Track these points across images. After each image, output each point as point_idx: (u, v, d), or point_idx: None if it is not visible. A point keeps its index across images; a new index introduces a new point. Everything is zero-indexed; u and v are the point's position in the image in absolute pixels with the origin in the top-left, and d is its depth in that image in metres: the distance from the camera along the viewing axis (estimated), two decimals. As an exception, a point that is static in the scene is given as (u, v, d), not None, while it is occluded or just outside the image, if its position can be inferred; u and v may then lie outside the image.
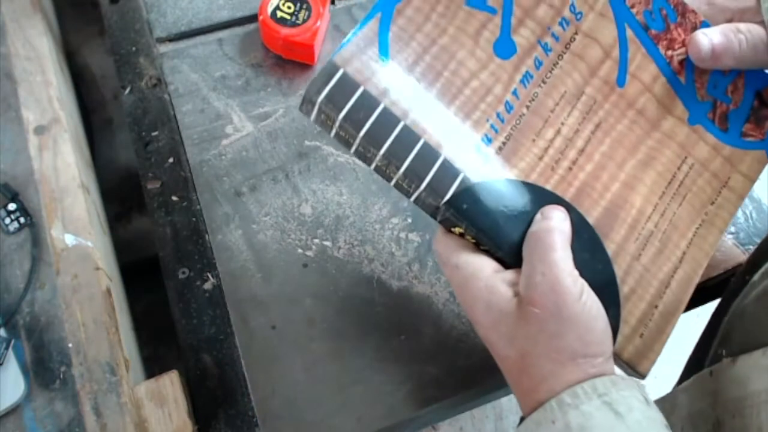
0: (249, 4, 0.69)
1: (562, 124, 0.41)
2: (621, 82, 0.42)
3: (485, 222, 0.37)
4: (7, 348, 0.48)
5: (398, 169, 0.37)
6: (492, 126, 0.39)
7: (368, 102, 0.37)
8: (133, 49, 0.66)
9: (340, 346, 0.52)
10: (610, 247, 0.40)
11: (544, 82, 0.41)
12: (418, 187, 0.37)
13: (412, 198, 0.39)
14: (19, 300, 0.51)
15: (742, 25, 0.42)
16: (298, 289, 0.54)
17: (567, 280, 0.35)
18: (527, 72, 0.41)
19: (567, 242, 0.37)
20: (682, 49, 0.44)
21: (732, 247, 0.57)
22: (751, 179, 0.44)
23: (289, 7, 0.64)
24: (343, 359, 0.51)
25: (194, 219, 0.56)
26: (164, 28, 0.68)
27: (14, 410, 0.47)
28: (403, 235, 0.57)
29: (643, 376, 0.40)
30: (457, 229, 0.38)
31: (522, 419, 0.36)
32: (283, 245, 0.56)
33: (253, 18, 0.68)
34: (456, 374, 0.51)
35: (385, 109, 0.37)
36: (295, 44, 0.63)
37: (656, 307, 0.40)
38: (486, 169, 0.38)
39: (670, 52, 0.44)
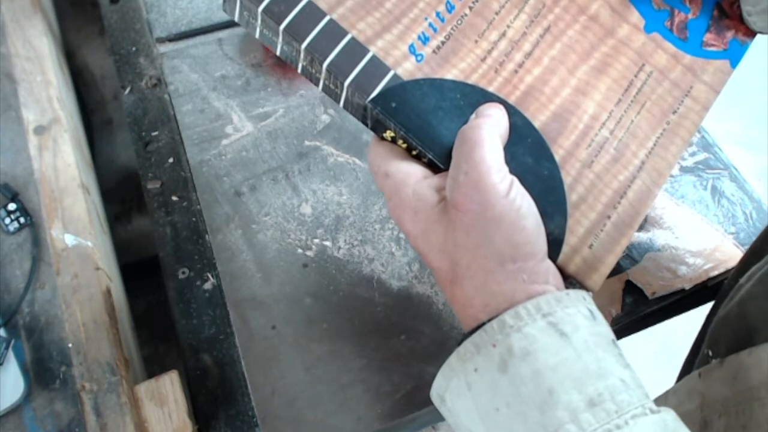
0: (249, 4, 0.69)
1: (508, 26, 0.40)
2: None
3: (415, 121, 0.36)
4: (7, 348, 0.48)
5: (321, 64, 0.36)
6: (430, 25, 0.38)
7: None
8: (133, 49, 0.66)
9: (340, 346, 0.52)
10: (558, 153, 0.38)
11: None
12: (343, 84, 0.36)
13: (341, 101, 0.37)
14: (19, 300, 0.51)
15: None
16: (298, 289, 0.54)
17: (492, 177, 0.33)
18: None
19: (497, 138, 0.35)
20: None
21: (732, 247, 0.57)
22: (715, 90, 0.43)
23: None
24: (343, 359, 0.51)
25: (194, 219, 0.56)
26: (164, 28, 0.68)
27: (14, 410, 0.47)
28: (403, 235, 0.56)
29: (592, 292, 0.37)
30: (388, 133, 0.37)
31: (463, 339, 0.34)
32: (283, 245, 0.56)
33: (253, 18, 0.68)
34: (456, 374, 0.51)
35: (309, 3, 0.36)
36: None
37: (609, 217, 0.38)
38: (420, 68, 0.37)
39: None
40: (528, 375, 0.30)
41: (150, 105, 0.63)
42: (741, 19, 0.44)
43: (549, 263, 0.35)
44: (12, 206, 0.54)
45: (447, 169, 0.36)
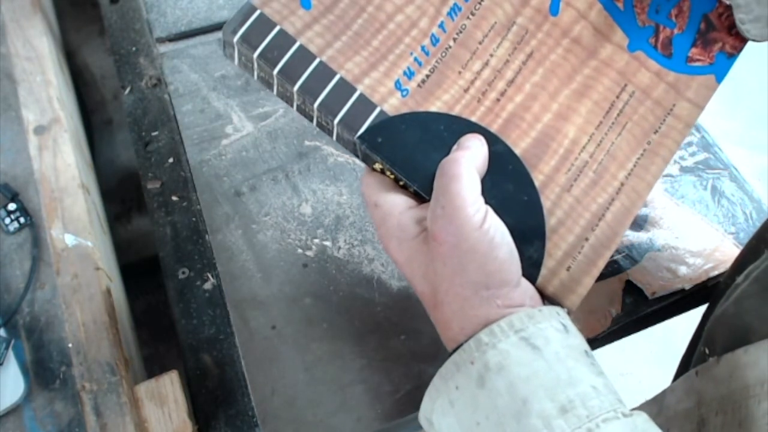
0: (249, 4, 0.69)
1: (491, 55, 0.40)
2: (554, 10, 0.41)
3: (400, 155, 0.37)
4: (7, 348, 0.48)
5: (313, 104, 0.37)
6: (416, 59, 0.39)
7: (284, 40, 0.37)
8: (133, 49, 0.66)
9: (340, 346, 0.52)
10: (538, 179, 0.39)
11: (472, 14, 0.40)
12: (333, 122, 0.37)
13: (334, 136, 0.39)
14: (19, 300, 0.51)
15: None
16: (298, 289, 0.54)
17: (467, 210, 0.34)
18: (455, 4, 0.40)
19: (473, 171, 0.36)
20: None
21: (732, 247, 0.57)
22: (699, 106, 0.43)
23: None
24: (343, 359, 0.51)
25: (194, 219, 0.56)
26: (164, 28, 0.68)
27: (14, 410, 0.47)
28: (403, 235, 0.56)
29: (570, 311, 0.38)
30: (377, 166, 0.38)
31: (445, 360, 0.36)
32: (283, 245, 0.56)
33: (253, 18, 0.68)
34: (456, 374, 0.51)
35: (300, 47, 0.37)
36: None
37: (587, 239, 0.39)
38: (405, 103, 0.38)
39: None
40: (503, 387, 0.32)
41: (150, 105, 0.63)
42: (729, 31, 0.43)
43: (526, 287, 0.36)
44: (12, 206, 0.54)
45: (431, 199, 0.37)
